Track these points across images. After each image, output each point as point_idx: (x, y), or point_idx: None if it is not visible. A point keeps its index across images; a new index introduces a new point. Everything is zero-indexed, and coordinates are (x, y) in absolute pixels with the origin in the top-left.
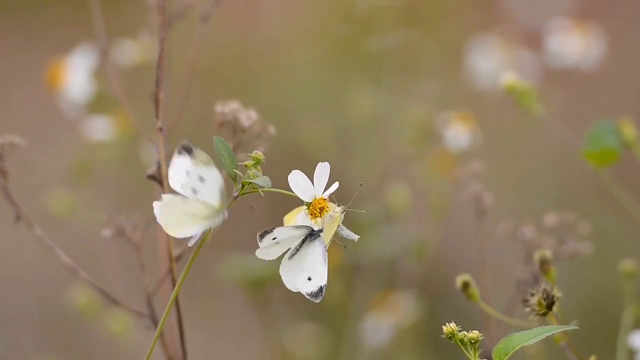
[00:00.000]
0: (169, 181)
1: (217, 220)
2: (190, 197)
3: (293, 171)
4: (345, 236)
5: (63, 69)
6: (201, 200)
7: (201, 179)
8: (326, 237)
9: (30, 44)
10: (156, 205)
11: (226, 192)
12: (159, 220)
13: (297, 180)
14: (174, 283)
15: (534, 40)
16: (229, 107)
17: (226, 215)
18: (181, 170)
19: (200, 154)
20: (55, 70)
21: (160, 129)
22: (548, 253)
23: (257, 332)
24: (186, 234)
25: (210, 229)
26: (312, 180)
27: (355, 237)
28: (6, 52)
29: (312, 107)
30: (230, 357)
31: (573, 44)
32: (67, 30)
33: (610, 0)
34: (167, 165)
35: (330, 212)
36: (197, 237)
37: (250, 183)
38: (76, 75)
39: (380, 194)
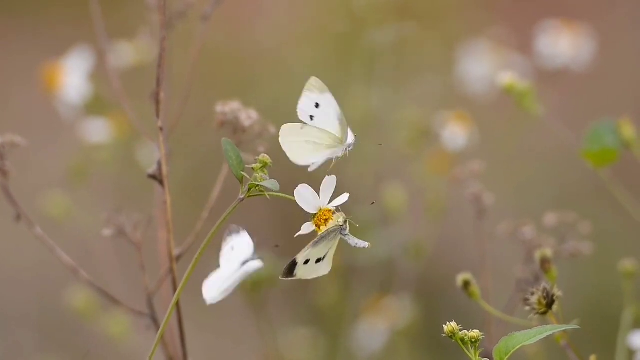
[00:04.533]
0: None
1: (339, 151)
2: (308, 123)
3: (299, 185)
4: (353, 245)
5: (59, 71)
6: (319, 127)
7: (316, 105)
8: (332, 249)
9: (30, 43)
10: (282, 131)
11: (344, 119)
12: (283, 147)
13: (302, 193)
14: (174, 283)
15: (524, 42)
16: (229, 107)
17: (350, 144)
18: (308, 101)
19: (315, 81)
20: (52, 73)
21: (161, 128)
22: (548, 252)
23: (257, 332)
24: (308, 162)
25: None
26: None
27: (365, 244)
28: (6, 52)
29: None
30: (230, 357)
31: (563, 45)
32: (67, 30)
33: (608, 0)
34: (168, 165)
35: (333, 223)
36: (318, 164)
37: (258, 186)
38: (73, 77)
39: (377, 195)
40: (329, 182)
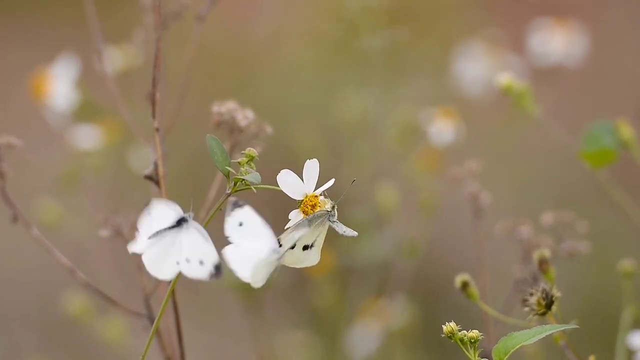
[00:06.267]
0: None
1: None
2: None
3: (282, 170)
4: (341, 233)
5: (46, 79)
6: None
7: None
8: (320, 236)
9: (30, 43)
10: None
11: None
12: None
13: (285, 179)
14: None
15: (524, 42)
16: (225, 107)
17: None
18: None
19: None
20: (39, 81)
21: (157, 129)
22: (547, 252)
23: (255, 333)
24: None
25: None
26: (301, 178)
27: (353, 233)
28: (6, 52)
29: (305, 107)
30: (229, 357)
31: (556, 42)
32: (67, 30)
33: (607, 0)
34: (164, 165)
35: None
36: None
37: (242, 180)
38: (60, 85)
39: (372, 195)
40: (311, 166)
